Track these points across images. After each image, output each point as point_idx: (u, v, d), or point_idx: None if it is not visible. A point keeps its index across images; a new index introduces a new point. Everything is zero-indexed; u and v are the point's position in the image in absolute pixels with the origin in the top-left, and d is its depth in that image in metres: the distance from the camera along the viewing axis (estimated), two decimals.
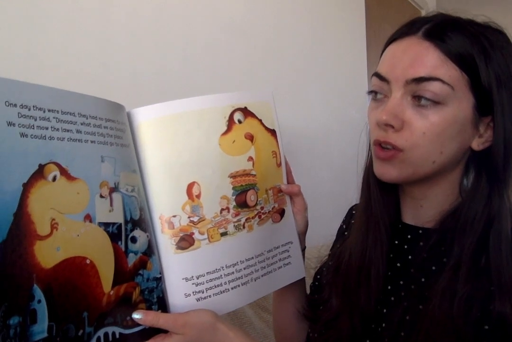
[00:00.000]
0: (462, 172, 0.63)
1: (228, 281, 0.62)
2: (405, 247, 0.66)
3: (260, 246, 0.67)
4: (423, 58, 0.57)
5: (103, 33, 1.03)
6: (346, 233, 0.79)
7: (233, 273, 0.62)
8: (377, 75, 0.61)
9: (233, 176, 0.64)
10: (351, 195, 1.91)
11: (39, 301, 0.45)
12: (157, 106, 0.60)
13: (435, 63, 0.56)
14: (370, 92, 0.63)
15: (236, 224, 0.64)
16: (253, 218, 0.66)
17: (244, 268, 0.64)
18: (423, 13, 2.90)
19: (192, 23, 1.24)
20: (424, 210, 0.65)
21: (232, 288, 0.62)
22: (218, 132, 0.62)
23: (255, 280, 0.65)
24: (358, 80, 2.06)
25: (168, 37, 1.18)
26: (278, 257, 0.69)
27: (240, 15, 1.41)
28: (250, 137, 0.66)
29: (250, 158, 0.65)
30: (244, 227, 0.64)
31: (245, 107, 0.65)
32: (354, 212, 0.82)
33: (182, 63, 1.22)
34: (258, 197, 0.66)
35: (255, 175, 0.66)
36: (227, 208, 0.63)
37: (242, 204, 0.64)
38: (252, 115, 0.66)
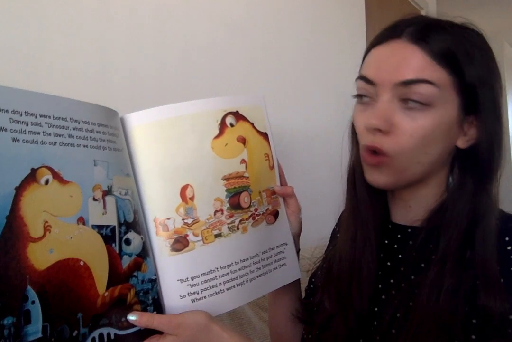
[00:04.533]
0: (449, 170, 0.64)
1: (223, 282, 0.63)
2: (395, 246, 0.67)
3: (254, 247, 0.67)
4: (409, 60, 0.58)
5: (102, 33, 1.04)
6: (338, 235, 0.79)
7: (228, 274, 0.63)
8: (363, 78, 0.62)
9: (226, 178, 0.64)
10: None
11: (33, 302, 0.46)
12: (150, 111, 0.61)
13: (421, 65, 0.57)
14: (357, 96, 0.64)
15: (230, 225, 0.64)
16: (247, 219, 0.66)
17: (239, 269, 0.64)
18: (423, 13, 2.90)
19: (192, 23, 1.25)
20: (413, 210, 0.66)
21: (227, 289, 0.63)
22: (210, 135, 0.63)
23: (250, 281, 0.65)
24: None
25: (168, 37, 1.19)
26: (273, 258, 0.69)
27: (240, 15, 1.41)
28: (242, 140, 0.67)
29: (243, 161, 0.66)
30: (238, 229, 0.65)
31: (237, 111, 0.66)
32: None
33: (181, 64, 1.22)
34: (252, 199, 0.67)
35: (248, 177, 0.67)
36: (221, 210, 0.64)
37: (235, 206, 0.65)
38: (244, 119, 0.67)
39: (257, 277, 0.67)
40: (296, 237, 0.75)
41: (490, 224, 0.57)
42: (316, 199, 1.73)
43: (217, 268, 0.62)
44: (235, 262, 0.64)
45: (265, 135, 0.70)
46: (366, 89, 0.62)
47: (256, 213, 0.68)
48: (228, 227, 0.64)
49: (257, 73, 1.47)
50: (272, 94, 1.52)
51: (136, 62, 1.11)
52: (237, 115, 0.66)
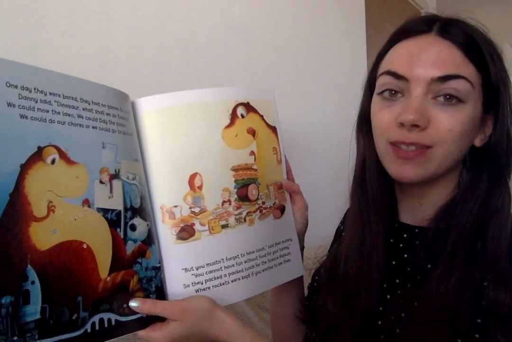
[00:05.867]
0: (462, 168, 0.64)
1: (228, 273, 0.61)
2: (401, 245, 0.65)
3: (261, 240, 0.66)
4: (446, 57, 0.57)
5: (102, 33, 1.04)
6: (343, 234, 0.77)
7: (233, 265, 0.62)
8: (392, 74, 0.60)
9: (235, 169, 0.63)
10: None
11: (33, 282, 0.45)
12: (161, 97, 0.60)
13: (457, 61, 0.57)
14: (384, 91, 0.61)
15: (237, 217, 0.63)
16: (254, 212, 0.65)
17: (245, 262, 0.63)
18: (423, 13, 2.87)
19: (192, 23, 1.25)
20: (423, 208, 0.65)
21: (232, 281, 0.61)
22: (221, 125, 0.62)
23: (255, 275, 0.64)
24: (358, 80, 2.04)
25: (168, 37, 1.19)
26: (279, 253, 0.68)
27: (240, 15, 1.41)
28: (252, 132, 0.66)
29: (252, 153, 0.65)
30: (245, 220, 0.64)
31: (248, 103, 0.65)
32: None
33: (182, 63, 1.22)
34: (260, 192, 0.66)
35: (256, 170, 0.66)
36: (229, 200, 0.62)
37: (243, 197, 0.64)
38: (254, 110, 0.66)
39: (263, 271, 0.65)
40: (301, 234, 0.74)
41: (504, 220, 0.57)
42: (318, 198, 1.71)
43: (222, 259, 0.61)
44: (241, 254, 0.63)
45: (273, 129, 0.69)
46: (395, 84, 0.60)
47: (263, 206, 0.66)
48: (235, 218, 0.63)
49: (257, 73, 1.47)
50: None
51: (136, 62, 1.10)
52: (248, 107, 0.65)
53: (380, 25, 2.27)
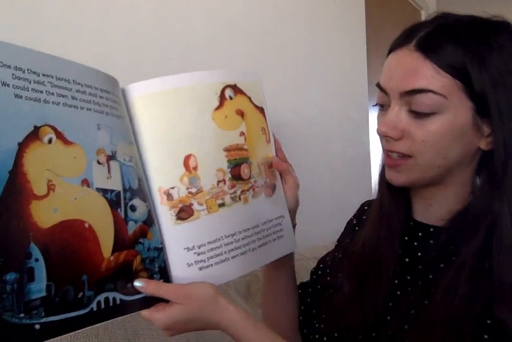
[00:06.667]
0: (474, 172, 0.63)
1: (228, 250, 0.63)
2: (415, 243, 0.66)
3: (255, 217, 0.68)
4: (414, 69, 0.57)
5: (102, 33, 1.04)
6: (357, 228, 0.79)
7: (232, 242, 0.63)
8: (378, 86, 0.63)
9: (227, 149, 0.65)
10: (351, 195, 1.88)
11: (37, 260, 0.45)
12: (151, 82, 0.61)
13: (426, 74, 0.57)
14: (376, 105, 0.65)
15: (232, 195, 0.65)
16: (247, 190, 0.67)
17: (242, 238, 0.65)
18: (423, 13, 2.90)
19: (192, 22, 1.25)
20: (434, 209, 0.65)
21: (232, 257, 0.63)
22: (211, 107, 0.64)
23: (252, 250, 0.66)
24: (358, 80, 2.05)
25: (168, 37, 1.19)
26: (272, 229, 0.70)
27: (240, 15, 1.42)
28: (241, 113, 0.67)
29: (242, 134, 0.67)
30: (240, 199, 0.65)
31: (235, 85, 0.67)
32: (366, 208, 0.83)
33: (182, 63, 1.22)
34: (251, 171, 0.68)
35: (247, 149, 0.67)
36: (223, 180, 0.64)
37: (237, 177, 0.65)
38: (242, 92, 0.68)
39: (259, 247, 0.67)
40: (293, 212, 0.76)
41: (506, 232, 0.55)
42: (318, 198, 1.72)
43: (221, 237, 0.62)
44: (238, 231, 0.65)
45: (261, 109, 0.71)
46: (381, 97, 0.63)
47: (255, 184, 0.68)
48: (230, 197, 0.64)
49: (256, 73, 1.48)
50: (272, 94, 1.52)
51: (136, 62, 1.11)
52: (235, 89, 0.67)
53: (380, 25, 2.30)
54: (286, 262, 0.77)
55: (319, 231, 1.56)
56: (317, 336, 0.71)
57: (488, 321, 0.52)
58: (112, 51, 1.06)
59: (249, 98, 0.69)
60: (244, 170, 0.66)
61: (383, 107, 0.64)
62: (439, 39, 0.57)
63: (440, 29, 0.58)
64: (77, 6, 0.99)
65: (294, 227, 0.76)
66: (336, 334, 0.68)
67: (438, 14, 0.62)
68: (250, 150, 0.68)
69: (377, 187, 0.73)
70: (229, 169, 0.64)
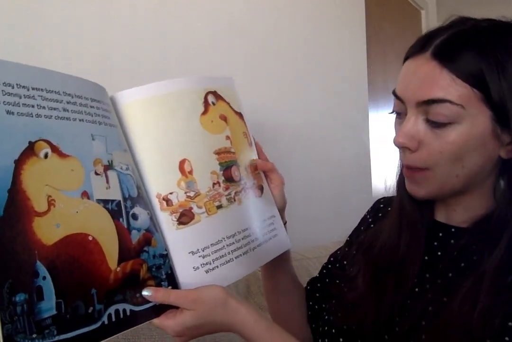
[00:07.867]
0: (496, 179, 0.62)
1: (231, 251, 0.63)
2: (435, 243, 0.65)
3: (251, 218, 0.69)
4: (431, 79, 0.56)
5: (103, 33, 1.03)
6: (372, 226, 0.78)
7: (233, 243, 0.64)
8: (394, 94, 0.61)
9: (217, 153, 0.66)
10: (351, 195, 1.88)
11: (44, 278, 0.44)
12: (139, 89, 0.61)
13: (443, 84, 0.55)
14: (393, 112, 0.64)
15: (227, 197, 0.65)
16: (240, 192, 0.68)
17: (242, 238, 0.66)
18: (423, 13, 2.86)
19: (192, 22, 1.24)
20: (457, 214, 0.65)
21: (235, 258, 0.64)
22: (197, 112, 0.64)
23: (253, 250, 0.67)
24: (358, 80, 2.04)
25: (168, 37, 1.18)
26: (267, 229, 0.71)
27: (240, 15, 1.40)
28: (224, 118, 0.69)
29: (228, 138, 0.68)
30: (235, 200, 0.66)
31: (215, 91, 0.68)
32: (382, 205, 0.81)
33: (182, 63, 1.21)
34: (241, 173, 0.69)
35: (234, 152, 0.69)
36: (218, 182, 0.65)
37: (229, 179, 0.66)
38: (222, 98, 0.69)
39: (257, 246, 0.68)
40: (282, 210, 0.77)
41: None
42: (318, 198, 1.72)
43: (223, 238, 0.63)
44: (238, 232, 0.65)
45: (240, 115, 0.73)
46: (398, 105, 0.61)
47: (246, 186, 0.69)
48: (226, 199, 0.65)
49: (257, 73, 1.46)
50: (272, 93, 1.51)
51: (136, 62, 1.09)
52: (216, 95, 0.68)
53: (380, 25, 2.29)
54: (284, 260, 0.78)
55: (319, 231, 1.56)
56: (326, 327, 0.72)
57: (507, 338, 0.51)
58: (112, 51, 1.04)
59: (228, 104, 0.70)
60: (235, 172, 0.68)
61: (400, 115, 0.62)
62: (456, 47, 0.56)
63: (456, 37, 0.57)
64: (77, 6, 0.97)
65: (284, 224, 0.77)
66: (345, 327, 0.68)
67: (455, 19, 0.60)
68: (237, 153, 0.69)
69: (394, 191, 0.71)
70: (222, 172, 0.65)
